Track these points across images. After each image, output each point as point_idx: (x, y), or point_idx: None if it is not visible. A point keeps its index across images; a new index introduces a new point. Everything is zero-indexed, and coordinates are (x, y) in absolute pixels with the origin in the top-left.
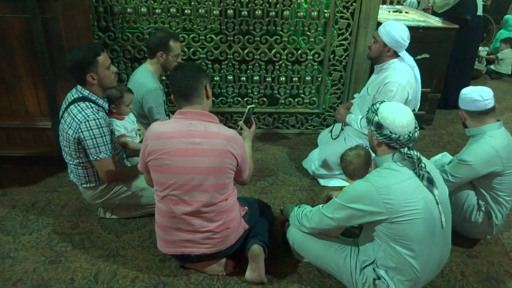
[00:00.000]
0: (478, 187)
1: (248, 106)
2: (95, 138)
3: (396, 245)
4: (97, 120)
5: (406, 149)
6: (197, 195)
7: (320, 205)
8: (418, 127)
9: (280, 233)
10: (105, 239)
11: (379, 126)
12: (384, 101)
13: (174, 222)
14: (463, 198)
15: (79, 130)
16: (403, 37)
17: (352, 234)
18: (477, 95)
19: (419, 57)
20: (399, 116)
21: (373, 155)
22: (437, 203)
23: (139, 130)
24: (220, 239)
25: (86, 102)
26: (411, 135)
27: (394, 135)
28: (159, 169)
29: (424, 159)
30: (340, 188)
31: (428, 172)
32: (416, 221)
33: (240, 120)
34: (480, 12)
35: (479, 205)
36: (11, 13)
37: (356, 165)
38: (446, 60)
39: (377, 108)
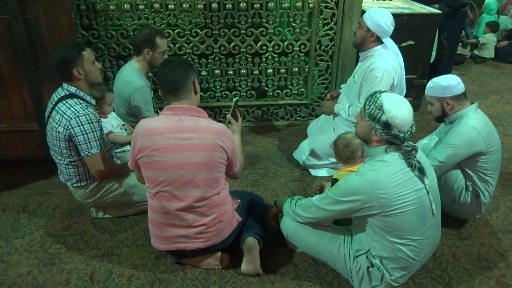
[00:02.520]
0: (464, 168)
1: (234, 99)
2: (86, 133)
3: (389, 236)
4: (87, 116)
5: (406, 142)
6: (189, 190)
7: (315, 197)
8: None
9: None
10: (99, 238)
11: (387, 126)
12: (382, 93)
13: (167, 218)
14: (452, 180)
15: (70, 126)
16: (387, 22)
17: (345, 221)
18: (456, 79)
19: (404, 44)
20: (407, 114)
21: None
22: (428, 192)
23: (124, 125)
24: (213, 232)
25: (75, 99)
26: (412, 130)
27: (401, 134)
28: (150, 165)
29: (420, 153)
30: (330, 178)
31: (419, 162)
32: (408, 213)
33: (227, 114)
34: None
35: (467, 186)
36: None
37: (355, 147)
38: (431, 47)
39: (381, 104)
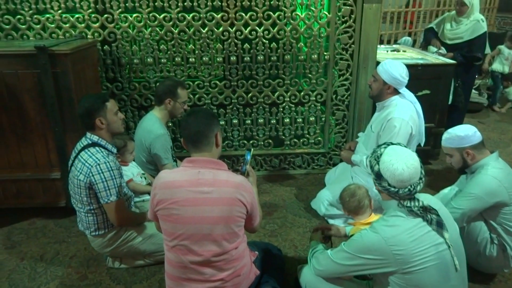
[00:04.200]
0: (488, 219)
1: (250, 150)
2: (106, 181)
3: None
4: (107, 163)
5: (407, 201)
6: (207, 244)
7: (329, 250)
8: (423, 178)
9: (292, 277)
10: None
11: (378, 176)
12: (390, 145)
13: (184, 272)
14: (476, 232)
15: (90, 174)
16: (402, 74)
17: (366, 276)
18: (472, 128)
19: (420, 93)
20: (400, 169)
21: (378, 196)
22: (449, 246)
23: (143, 173)
24: (231, 287)
25: (96, 147)
26: (412, 188)
27: (392, 189)
28: (168, 218)
29: (431, 198)
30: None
31: (437, 215)
32: (428, 269)
33: (244, 166)
34: (488, 50)
35: (492, 238)
36: (23, 69)
37: (361, 196)
38: (447, 95)
39: (380, 154)
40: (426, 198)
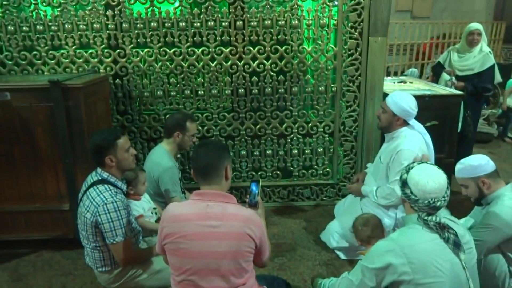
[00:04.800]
0: (506, 252)
1: (259, 181)
2: (112, 221)
3: None
4: (114, 203)
5: (425, 214)
6: (214, 280)
7: (346, 272)
8: (446, 198)
9: None
10: None
11: (404, 184)
12: (425, 163)
13: None
14: (494, 265)
15: (97, 214)
16: (411, 106)
17: None
18: (485, 157)
19: (428, 124)
20: (425, 180)
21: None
22: (464, 268)
23: (154, 208)
24: None
25: (105, 185)
26: (431, 201)
27: (413, 196)
28: (175, 252)
29: (455, 223)
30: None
31: (455, 235)
32: (442, 284)
33: (250, 197)
34: (499, 79)
35: (511, 271)
36: (37, 102)
37: (373, 225)
38: (455, 126)
39: (412, 167)
40: (447, 218)
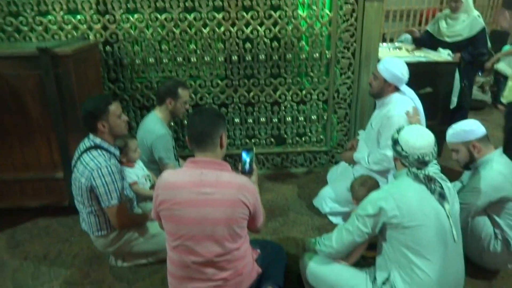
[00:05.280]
0: (492, 215)
1: (253, 149)
2: (107, 185)
3: (409, 252)
4: (109, 168)
5: (414, 168)
6: (209, 245)
7: (342, 223)
8: (434, 154)
9: (294, 275)
10: None
11: (396, 142)
12: (416, 125)
13: (186, 272)
14: (480, 228)
15: (92, 178)
16: (402, 72)
17: (366, 265)
18: (476, 122)
19: (422, 91)
20: (414, 138)
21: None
22: (448, 216)
23: (148, 175)
24: (233, 286)
25: (98, 150)
26: (420, 157)
27: (404, 153)
28: (170, 219)
29: (443, 179)
30: None
31: (440, 187)
32: (427, 228)
33: (244, 165)
34: (489, 45)
35: (496, 234)
36: (26, 70)
37: (371, 186)
38: (449, 93)
39: (403, 128)
40: (436, 174)
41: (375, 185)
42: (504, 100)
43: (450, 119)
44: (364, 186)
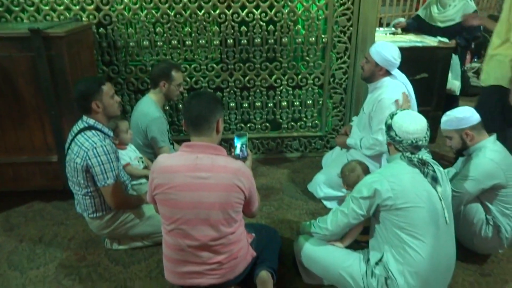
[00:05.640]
0: (484, 201)
1: (246, 135)
2: (102, 164)
3: (402, 232)
4: (104, 147)
5: (408, 153)
6: (204, 229)
7: (337, 206)
8: (427, 138)
9: (288, 258)
10: (112, 270)
11: (389, 128)
12: (407, 110)
13: (182, 255)
14: (472, 214)
15: (87, 158)
16: (394, 56)
17: (359, 248)
18: (470, 109)
19: (417, 76)
20: (407, 123)
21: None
22: (440, 199)
23: (141, 157)
24: (228, 269)
25: (93, 131)
26: (414, 141)
27: (398, 138)
28: (166, 203)
29: (435, 164)
30: None
31: (433, 171)
32: (420, 210)
33: (237, 150)
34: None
35: (487, 220)
36: (17, 52)
37: (360, 171)
38: (445, 79)
39: (395, 113)
40: (428, 158)
41: (365, 170)
42: (482, 83)
43: (447, 105)
44: (354, 172)
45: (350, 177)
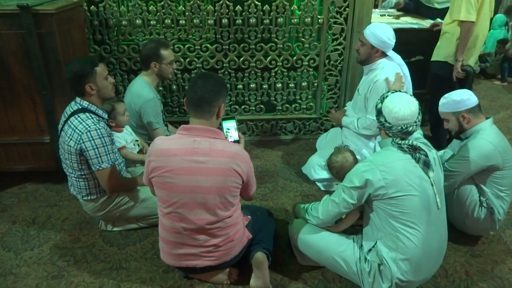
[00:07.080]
0: (478, 183)
1: (235, 118)
2: (97, 148)
3: (395, 221)
4: (98, 130)
5: (398, 139)
6: (201, 213)
7: (328, 195)
8: (418, 123)
9: (283, 240)
10: (107, 252)
11: (379, 112)
12: (398, 92)
13: (178, 238)
14: (465, 195)
15: (81, 141)
16: (389, 36)
17: (354, 232)
18: (468, 92)
19: (413, 59)
20: (397, 108)
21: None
22: (432, 184)
23: (137, 140)
24: (224, 251)
25: (87, 113)
26: (404, 127)
27: (387, 124)
28: (162, 186)
29: (426, 145)
30: None
31: (425, 156)
32: (412, 197)
33: (229, 132)
34: None
35: (481, 201)
36: (7, 29)
37: (348, 168)
38: None
39: (386, 96)
40: (419, 141)
41: (353, 163)
42: (432, 58)
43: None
44: (343, 170)
45: (340, 174)
